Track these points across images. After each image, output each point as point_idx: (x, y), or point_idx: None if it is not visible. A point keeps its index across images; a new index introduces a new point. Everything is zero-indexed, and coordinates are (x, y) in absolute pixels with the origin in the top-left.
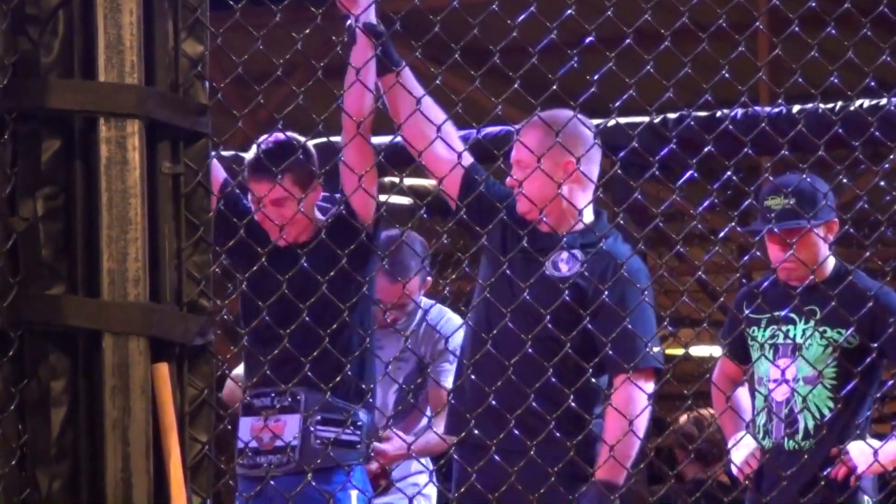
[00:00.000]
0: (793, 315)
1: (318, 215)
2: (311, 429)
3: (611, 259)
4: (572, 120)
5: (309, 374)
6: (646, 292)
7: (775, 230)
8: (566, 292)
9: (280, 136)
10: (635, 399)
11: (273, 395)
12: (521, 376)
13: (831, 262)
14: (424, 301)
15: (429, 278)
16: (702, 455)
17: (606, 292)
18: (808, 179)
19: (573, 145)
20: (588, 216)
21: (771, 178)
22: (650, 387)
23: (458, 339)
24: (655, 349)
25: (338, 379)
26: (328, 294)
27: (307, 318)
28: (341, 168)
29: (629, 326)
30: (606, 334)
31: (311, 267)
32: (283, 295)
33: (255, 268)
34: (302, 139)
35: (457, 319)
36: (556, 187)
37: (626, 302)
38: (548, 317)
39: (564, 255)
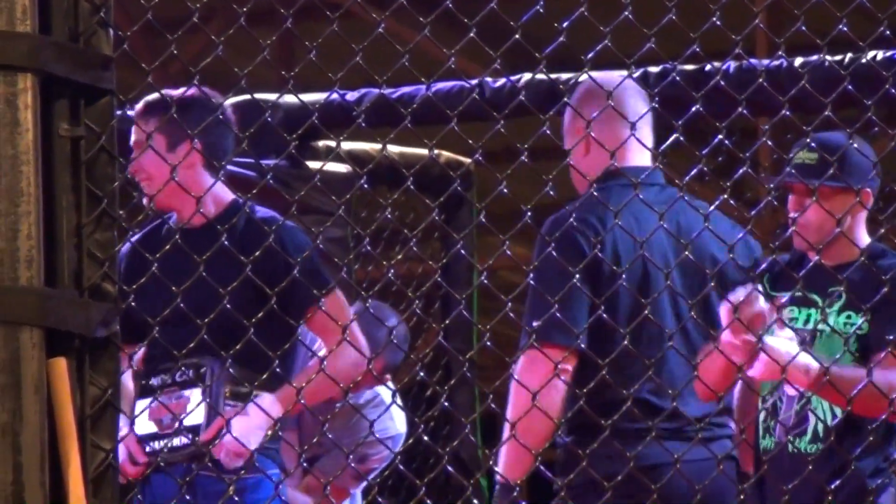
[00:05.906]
0: (815, 296)
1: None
2: (220, 402)
3: None
4: None
5: (219, 344)
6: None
7: (806, 187)
8: None
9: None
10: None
11: (172, 368)
12: None
13: (865, 241)
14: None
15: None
16: None
17: None
18: (844, 139)
19: None
20: None
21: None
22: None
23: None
24: None
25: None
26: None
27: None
28: None
29: None
30: None
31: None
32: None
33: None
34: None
35: (398, 423)
36: None
37: None
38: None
39: None
